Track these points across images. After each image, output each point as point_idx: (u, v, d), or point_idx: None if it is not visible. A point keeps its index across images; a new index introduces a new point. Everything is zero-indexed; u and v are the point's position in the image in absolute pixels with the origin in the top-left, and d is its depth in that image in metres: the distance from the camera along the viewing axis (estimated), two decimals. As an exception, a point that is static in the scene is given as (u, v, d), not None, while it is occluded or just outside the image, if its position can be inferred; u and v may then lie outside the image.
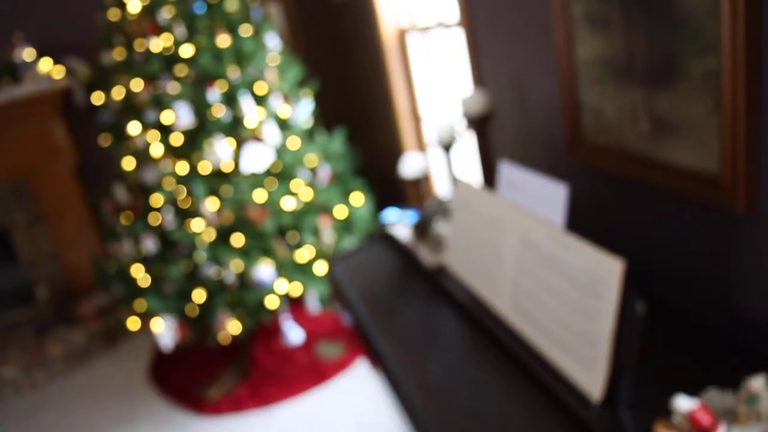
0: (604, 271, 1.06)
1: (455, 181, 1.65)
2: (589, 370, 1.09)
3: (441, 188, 3.19)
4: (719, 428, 0.90)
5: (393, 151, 3.49)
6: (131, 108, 2.84)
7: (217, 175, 2.83)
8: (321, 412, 2.71)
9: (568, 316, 1.15)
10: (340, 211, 3.03)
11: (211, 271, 2.76)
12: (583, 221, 1.47)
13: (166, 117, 2.76)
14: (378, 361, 1.48)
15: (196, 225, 2.77)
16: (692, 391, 1.02)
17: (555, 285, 1.19)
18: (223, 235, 2.81)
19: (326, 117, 3.66)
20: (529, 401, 1.16)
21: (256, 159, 2.78)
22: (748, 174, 1.08)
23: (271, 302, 2.82)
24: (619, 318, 1.04)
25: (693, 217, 1.25)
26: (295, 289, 2.88)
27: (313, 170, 3.05)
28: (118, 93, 2.88)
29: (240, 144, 2.81)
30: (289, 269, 2.85)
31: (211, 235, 2.79)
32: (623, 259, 1.03)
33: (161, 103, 2.76)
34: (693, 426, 0.90)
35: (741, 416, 0.96)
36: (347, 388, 2.84)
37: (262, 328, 3.28)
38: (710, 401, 1.02)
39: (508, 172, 1.52)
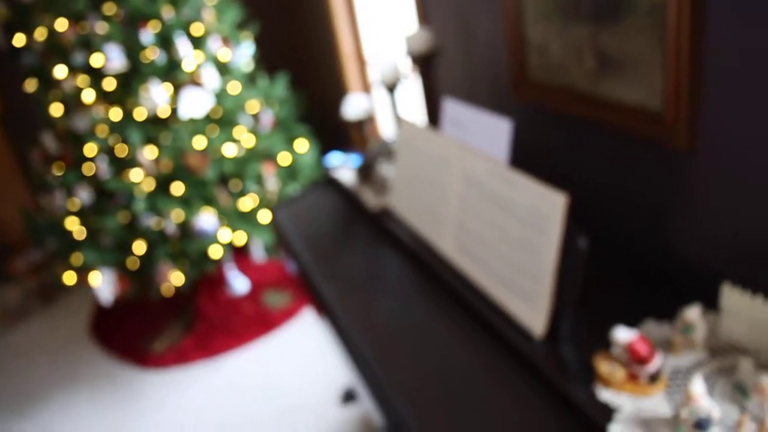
0: (547, 206, 1.05)
1: (399, 121, 1.61)
2: (531, 307, 1.09)
3: (385, 130, 3.14)
4: (656, 358, 0.91)
5: (338, 94, 3.40)
6: (56, 50, 2.65)
7: (154, 122, 2.70)
8: (268, 362, 2.70)
9: (511, 253, 1.14)
10: (284, 158, 2.95)
11: (150, 221, 2.66)
12: (528, 161, 1.45)
13: (96, 60, 2.60)
14: (323, 308, 1.46)
15: (134, 174, 2.65)
16: (631, 324, 1.04)
17: (498, 222, 1.18)
18: (163, 184, 2.70)
19: (268, 60, 3.52)
20: (474, 339, 1.16)
21: (195, 104, 2.66)
22: (690, 110, 1.08)
23: (215, 252, 2.75)
24: (562, 253, 1.03)
25: (636, 156, 1.25)
26: (239, 238, 2.82)
27: (255, 116, 2.95)
28: (40, 34, 2.68)
29: (177, 89, 2.68)
30: (232, 218, 2.78)
31: (149, 185, 2.68)
32: (566, 194, 1.02)
33: (89, 44, 2.59)
34: (631, 356, 0.91)
35: (677, 345, 0.98)
36: (294, 336, 2.83)
37: (207, 278, 3.21)
38: (648, 332, 1.03)
39: (451, 109, 1.48)
